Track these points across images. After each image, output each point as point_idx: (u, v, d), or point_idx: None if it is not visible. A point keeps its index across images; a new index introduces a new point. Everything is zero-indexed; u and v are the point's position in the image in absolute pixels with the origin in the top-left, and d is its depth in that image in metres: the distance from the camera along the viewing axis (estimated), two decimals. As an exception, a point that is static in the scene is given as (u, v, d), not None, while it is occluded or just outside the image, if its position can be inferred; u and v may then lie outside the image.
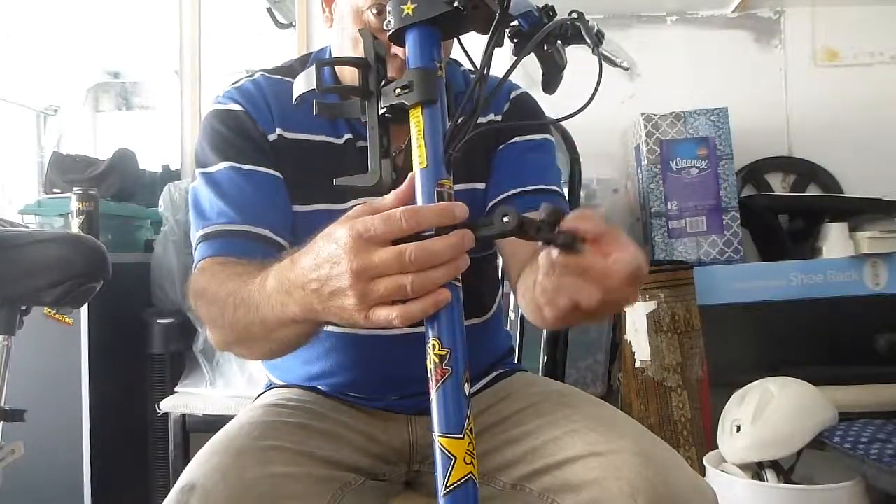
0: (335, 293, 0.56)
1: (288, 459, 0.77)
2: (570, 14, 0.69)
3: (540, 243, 0.57)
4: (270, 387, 1.02)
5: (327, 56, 0.97)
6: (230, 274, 0.76)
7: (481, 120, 0.97)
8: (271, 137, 0.90)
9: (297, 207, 0.90)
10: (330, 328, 0.91)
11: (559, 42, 0.69)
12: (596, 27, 0.68)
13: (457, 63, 1.02)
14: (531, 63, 0.71)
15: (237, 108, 0.90)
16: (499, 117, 0.99)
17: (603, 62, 0.68)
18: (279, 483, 0.73)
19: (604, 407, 0.86)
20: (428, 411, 0.57)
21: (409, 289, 0.54)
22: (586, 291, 0.56)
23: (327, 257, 0.56)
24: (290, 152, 0.90)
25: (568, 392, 0.91)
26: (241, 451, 0.75)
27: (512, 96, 1.01)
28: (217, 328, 0.76)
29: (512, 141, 0.97)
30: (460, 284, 0.57)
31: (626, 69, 0.72)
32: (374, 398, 0.94)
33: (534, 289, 0.65)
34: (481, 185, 0.97)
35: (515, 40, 0.68)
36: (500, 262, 1.09)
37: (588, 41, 0.67)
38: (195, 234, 0.87)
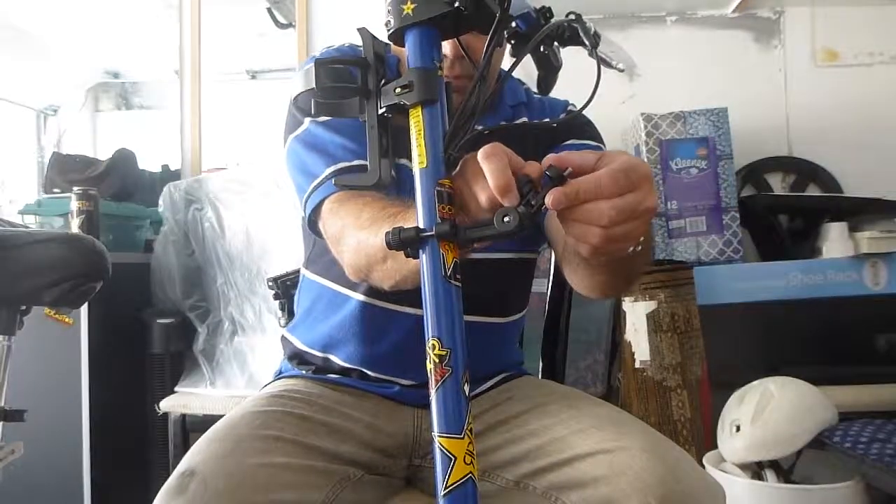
0: None
1: (288, 450, 0.77)
2: (567, 15, 0.69)
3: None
4: (279, 376, 1.03)
5: None
6: (373, 199, 0.79)
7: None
8: None
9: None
10: (361, 297, 0.93)
11: (556, 44, 0.70)
12: (593, 28, 0.68)
13: (518, 80, 1.07)
14: (530, 63, 0.71)
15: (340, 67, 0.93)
16: (553, 125, 1.02)
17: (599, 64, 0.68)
18: (278, 473, 0.73)
19: (610, 408, 0.86)
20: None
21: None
22: (584, 229, 0.56)
23: None
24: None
25: (573, 394, 0.92)
26: (241, 439, 0.76)
27: (569, 108, 1.06)
28: (363, 248, 0.76)
29: (565, 143, 0.99)
30: (460, 284, 0.57)
31: (621, 71, 0.72)
32: (386, 380, 0.94)
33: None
34: None
35: (513, 41, 0.68)
36: (532, 272, 1.09)
37: (586, 42, 0.67)
38: (319, 172, 0.88)
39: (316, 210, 0.88)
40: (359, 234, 0.77)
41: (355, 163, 0.87)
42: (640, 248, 0.64)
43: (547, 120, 1.04)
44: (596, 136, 1.02)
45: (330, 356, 0.97)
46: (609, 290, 0.83)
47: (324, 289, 0.99)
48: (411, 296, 0.89)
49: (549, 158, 0.56)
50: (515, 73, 0.68)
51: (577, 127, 1.01)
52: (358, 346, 0.95)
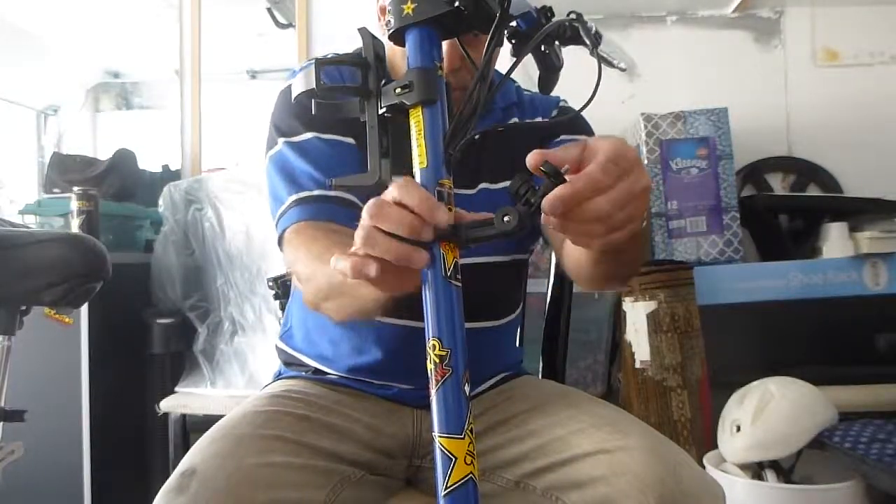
0: None
1: (288, 450, 0.78)
2: (568, 15, 0.69)
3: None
4: (278, 377, 1.03)
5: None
6: (327, 232, 0.80)
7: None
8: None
9: None
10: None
11: (557, 43, 0.69)
12: (594, 28, 0.68)
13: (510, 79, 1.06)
14: (530, 62, 0.71)
15: None
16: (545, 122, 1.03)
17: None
18: (278, 472, 0.73)
19: (609, 407, 0.86)
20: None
21: (361, 238, 0.54)
22: (585, 227, 0.56)
23: None
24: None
25: (573, 394, 0.92)
26: (241, 438, 0.76)
27: (560, 105, 1.06)
28: (312, 283, 0.77)
29: (556, 140, 0.99)
30: (460, 285, 0.57)
31: (623, 70, 0.72)
32: (385, 385, 0.95)
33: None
34: None
35: (514, 41, 0.68)
36: (524, 272, 1.10)
37: (587, 42, 0.67)
38: (285, 199, 0.90)
39: (281, 237, 0.90)
40: (306, 270, 0.79)
41: (315, 192, 0.88)
42: (643, 223, 0.64)
43: (539, 119, 1.03)
44: (587, 128, 1.02)
45: (325, 368, 0.98)
46: (612, 279, 0.82)
47: None
48: (404, 307, 0.90)
49: (531, 157, 0.55)
50: (517, 73, 0.68)
51: (568, 122, 1.01)
52: (354, 360, 0.95)
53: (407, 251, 0.53)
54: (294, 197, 0.89)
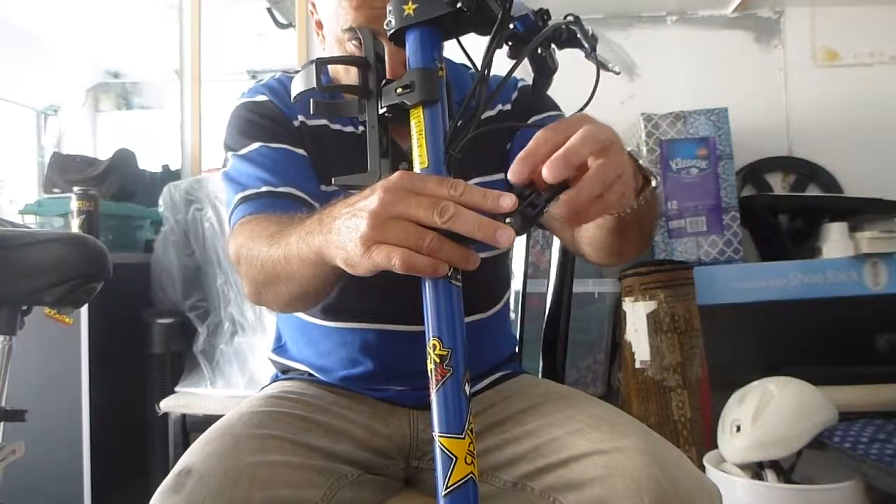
0: (355, 215, 0.56)
1: (285, 449, 0.77)
2: (565, 18, 0.69)
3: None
4: (275, 379, 1.03)
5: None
6: (273, 222, 0.79)
7: (489, 113, 1.01)
8: (295, 123, 0.95)
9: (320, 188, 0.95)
10: (341, 325, 0.94)
11: (552, 46, 0.69)
12: (590, 31, 0.68)
13: (465, 66, 1.05)
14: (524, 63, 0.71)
15: (263, 98, 0.97)
16: (508, 106, 1.02)
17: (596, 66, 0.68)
18: (275, 471, 0.73)
19: (607, 407, 0.86)
20: (430, 406, 0.57)
21: (425, 243, 0.53)
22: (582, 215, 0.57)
23: (369, 192, 0.56)
24: (313, 137, 0.95)
25: (570, 393, 0.91)
26: (238, 438, 0.76)
27: (520, 86, 1.05)
28: (252, 270, 0.77)
29: (529, 122, 1.00)
30: (460, 285, 0.57)
31: (617, 73, 0.72)
32: (379, 388, 0.95)
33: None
34: (500, 176, 0.99)
35: (510, 43, 0.68)
36: (508, 259, 1.10)
37: (585, 45, 0.67)
38: (232, 201, 0.90)
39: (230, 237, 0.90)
40: (251, 251, 0.78)
41: (263, 189, 0.88)
42: (643, 201, 0.67)
43: (500, 106, 1.03)
44: (552, 104, 1.03)
45: (320, 377, 0.98)
46: (628, 250, 0.83)
47: (304, 322, 1.00)
48: (391, 314, 0.92)
49: (513, 174, 0.57)
50: (516, 73, 0.68)
51: (535, 102, 1.01)
52: (346, 370, 0.96)
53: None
54: (241, 194, 0.89)
